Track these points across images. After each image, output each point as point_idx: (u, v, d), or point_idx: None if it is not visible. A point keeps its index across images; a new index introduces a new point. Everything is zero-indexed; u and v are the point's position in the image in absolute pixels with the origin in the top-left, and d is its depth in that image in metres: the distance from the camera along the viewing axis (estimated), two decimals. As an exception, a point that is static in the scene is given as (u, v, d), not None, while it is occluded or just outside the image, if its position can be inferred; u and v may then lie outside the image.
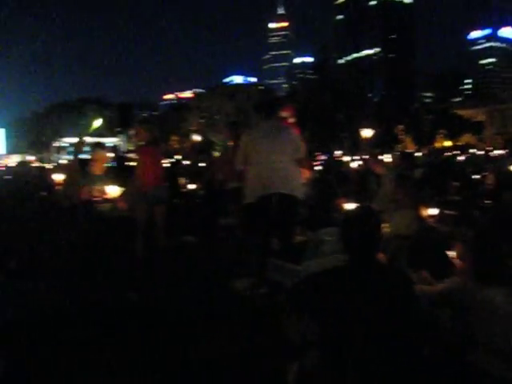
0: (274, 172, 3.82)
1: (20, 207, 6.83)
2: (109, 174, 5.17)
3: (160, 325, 3.02)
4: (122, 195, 4.51)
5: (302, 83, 49.85)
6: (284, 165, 3.87)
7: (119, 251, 4.01)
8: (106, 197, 4.54)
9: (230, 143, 5.59)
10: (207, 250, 5.27)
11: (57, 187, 5.93)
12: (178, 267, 4.52)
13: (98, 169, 5.04)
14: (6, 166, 16.02)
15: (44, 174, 9.58)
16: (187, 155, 10.32)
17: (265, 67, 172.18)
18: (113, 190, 4.50)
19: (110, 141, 45.91)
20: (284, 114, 4.75)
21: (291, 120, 4.81)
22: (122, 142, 44.81)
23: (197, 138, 16.00)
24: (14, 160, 32.54)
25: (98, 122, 10.34)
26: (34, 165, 14.09)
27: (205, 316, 3.06)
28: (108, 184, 4.51)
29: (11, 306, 2.52)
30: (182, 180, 8.02)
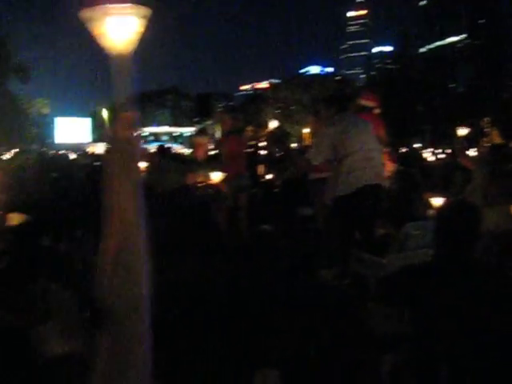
0: (367, 162, 3.78)
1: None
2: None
3: (243, 314, 3.07)
4: (225, 180, 4.65)
5: (380, 73, 48.36)
6: (374, 154, 3.84)
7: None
8: (209, 182, 4.71)
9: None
10: (286, 240, 5.30)
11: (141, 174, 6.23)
12: (259, 255, 4.58)
13: (200, 154, 5.24)
14: (93, 154, 17.03)
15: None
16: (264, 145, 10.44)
17: (342, 57, 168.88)
18: (216, 176, 4.66)
19: (187, 130, 47.36)
20: (369, 103, 4.66)
21: (376, 111, 4.71)
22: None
23: (273, 126, 16.07)
24: (99, 148, 34.55)
25: None
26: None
27: (289, 305, 3.08)
28: (211, 169, 4.68)
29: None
30: (261, 169, 8.12)
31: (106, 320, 0.92)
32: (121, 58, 1.02)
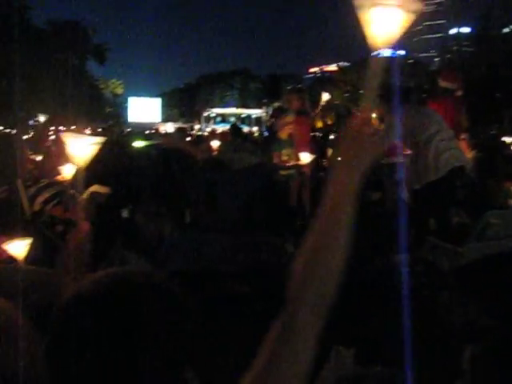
0: (451, 143, 3.68)
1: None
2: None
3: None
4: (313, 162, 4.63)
5: (456, 56, 45.93)
6: (450, 135, 3.74)
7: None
8: (294, 162, 4.72)
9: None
10: (354, 225, 5.21)
11: (214, 153, 6.36)
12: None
13: (284, 134, 5.25)
14: (166, 132, 17.51)
15: (202, 140, 10.34)
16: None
17: (416, 39, 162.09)
18: (305, 157, 4.66)
19: (254, 112, 47.59)
20: (450, 84, 4.47)
21: (458, 93, 4.50)
22: (265, 114, 46.03)
23: (325, 98, 15.73)
24: (168, 127, 35.53)
25: None
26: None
27: (361, 291, 3.05)
28: (294, 149, 4.65)
29: (185, 255, 2.79)
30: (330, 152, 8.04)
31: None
32: (379, 50, 1.00)
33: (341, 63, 53.78)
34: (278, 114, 5.49)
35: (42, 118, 19.05)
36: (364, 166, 1.00)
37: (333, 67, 59.17)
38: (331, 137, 9.78)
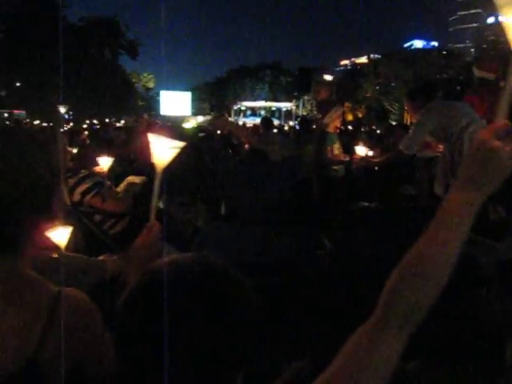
0: None
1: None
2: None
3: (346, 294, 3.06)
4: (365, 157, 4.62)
5: (493, 47, 44.54)
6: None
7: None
8: (342, 158, 4.72)
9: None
10: (387, 219, 5.16)
11: (245, 146, 6.39)
12: (361, 232, 4.53)
13: (332, 128, 5.25)
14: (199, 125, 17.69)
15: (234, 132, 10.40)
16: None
17: (451, 30, 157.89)
18: (361, 150, 4.66)
19: (284, 105, 47.43)
20: (489, 75, 4.35)
21: (501, 84, 4.36)
22: (294, 107, 45.83)
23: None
24: (198, 120, 35.90)
25: None
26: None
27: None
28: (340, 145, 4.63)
29: (219, 247, 2.81)
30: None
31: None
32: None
33: (372, 55, 52.91)
34: (323, 107, 5.42)
35: (62, 110, 19.36)
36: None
37: (364, 59, 58.31)
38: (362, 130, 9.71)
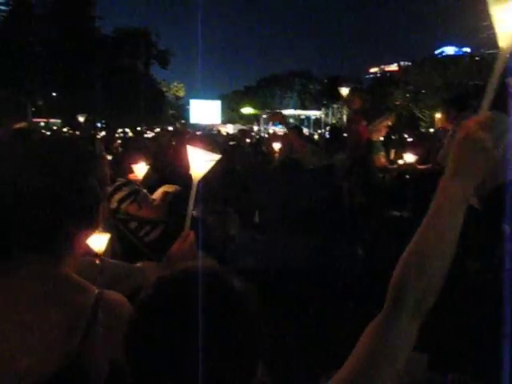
0: None
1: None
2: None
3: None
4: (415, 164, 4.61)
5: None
6: None
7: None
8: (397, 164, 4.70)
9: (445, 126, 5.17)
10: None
11: (275, 154, 6.39)
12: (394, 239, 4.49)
13: (377, 136, 5.26)
14: (228, 134, 17.83)
15: (262, 142, 10.46)
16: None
17: (483, 35, 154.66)
18: (410, 157, 4.66)
19: (313, 113, 47.35)
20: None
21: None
22: (323, 115, 45.66)
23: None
24: (229, 128, 36.22)
25: None
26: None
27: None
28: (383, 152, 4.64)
29: (252, 255, 2.83)
30: (392, 154, 7.86)
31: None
32: (504, 51, 0.94)
33: (402, 62, 52.29)
34: (356, 118, 5.43)
35: (81, 119, 19.72)
36: (479, 178, 0.95)
37: (394, 67, 57.65)
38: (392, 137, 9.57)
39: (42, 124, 30.95)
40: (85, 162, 1.18)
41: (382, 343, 0.88)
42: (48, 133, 14.60)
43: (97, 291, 1.13)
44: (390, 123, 5.45)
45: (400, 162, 7.60)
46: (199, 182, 1.70)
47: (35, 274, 1.10)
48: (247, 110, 48.64)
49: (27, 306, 1.06)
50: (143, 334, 0.82)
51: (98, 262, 1.83)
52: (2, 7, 34.04)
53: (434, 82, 41.00)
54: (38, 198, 1.09)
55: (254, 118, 48.93)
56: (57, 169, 1.13)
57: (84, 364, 1.03)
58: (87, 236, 1.21)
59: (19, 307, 1.05)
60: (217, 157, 1.75)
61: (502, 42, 0.96)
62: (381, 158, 5.23)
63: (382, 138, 5.63)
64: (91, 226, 1.19)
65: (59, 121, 33.16)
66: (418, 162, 5.31)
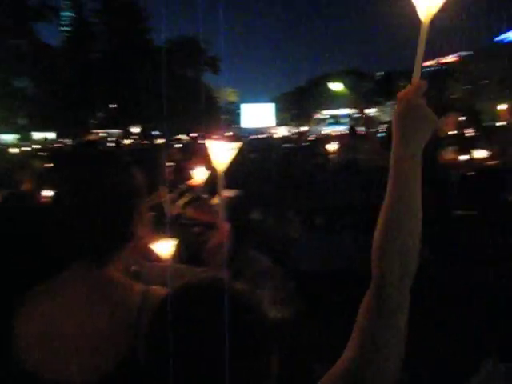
0: None
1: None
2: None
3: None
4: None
5: None
6: None
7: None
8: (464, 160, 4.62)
9: None
10: (485, 228, 4.85)
11: (331, 155, 6.34)
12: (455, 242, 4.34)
13: (443, 132, 5.17)
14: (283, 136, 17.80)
15: (317, 142, 10.40)
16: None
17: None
18: (481, 153, 4.57)
19: (367, 112, 46.38)
20: None
21: None
22: (379, 113, 44.68)
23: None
24: (282, 131, 36.27)
25: None
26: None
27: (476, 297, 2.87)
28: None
29: (316, 257, 2.82)
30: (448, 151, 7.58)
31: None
32: (423, 25, 1.01)
33: (461, 53, 50.14)
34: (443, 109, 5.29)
35: (135, 129, 20.29)
36: (425, 140, 0.99)
37: (451, 58, 55.34)
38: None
39: (104, 134, 32.35)
40: (112, 175, 1.22)
41: (376, 312, 0.93)
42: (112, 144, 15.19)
43: (142, 287, 1.17)
44: (459, 118, 5.25)
45: (468, 157, 7.30)
46: (223, 171, 1.73)
47: (83, 278, 1.16)
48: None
49: (79, 308, 1.12)
50: (158, 335, 0.87)
51: (167, 267, 1.89)
52: (65, 27, 36.11)
53: (497, 72, 39.01)
54: (96, 212, 1.14)
55: (306, 120, 48.62)
56: (109, 182, 1.19)
57: (136, 362, 1.05)
58: (127, 245, 1.23)
59: (73, 310, 1.12)
60: (237, 145, 1.78)
61: (422, 15, 1.01)
62: (449, 154, 5.03)
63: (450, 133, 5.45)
64: (127, 236, 1.22)
65: (117, 131, 34.48)
66: (491, 157, 5.08)
